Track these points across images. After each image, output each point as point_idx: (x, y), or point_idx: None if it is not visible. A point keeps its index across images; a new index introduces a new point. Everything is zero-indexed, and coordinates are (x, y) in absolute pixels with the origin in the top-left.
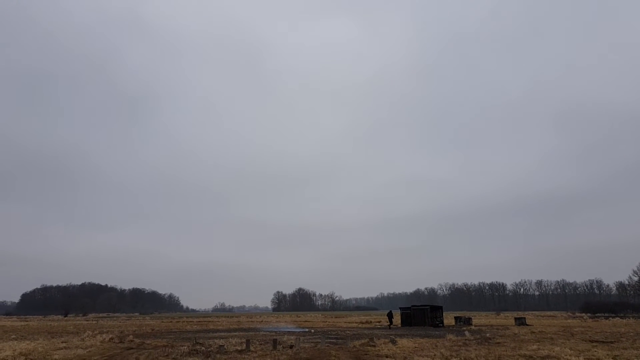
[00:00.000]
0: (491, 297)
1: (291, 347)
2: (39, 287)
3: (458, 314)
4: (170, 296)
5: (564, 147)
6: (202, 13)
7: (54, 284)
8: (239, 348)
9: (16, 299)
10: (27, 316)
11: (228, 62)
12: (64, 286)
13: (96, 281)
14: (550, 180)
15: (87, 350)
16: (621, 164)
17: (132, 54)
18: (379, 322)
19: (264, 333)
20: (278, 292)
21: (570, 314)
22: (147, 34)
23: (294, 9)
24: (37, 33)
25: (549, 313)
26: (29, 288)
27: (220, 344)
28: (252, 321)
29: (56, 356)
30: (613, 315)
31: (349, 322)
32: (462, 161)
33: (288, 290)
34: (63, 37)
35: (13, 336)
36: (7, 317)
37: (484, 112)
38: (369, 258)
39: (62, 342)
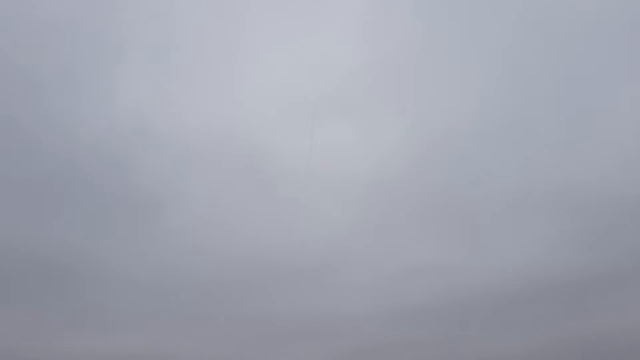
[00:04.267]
0: None
1: None
2: None
3: None
4: None
5: (564, 231)
6: (208, 121)
7: None
8: None
9: None
10: None
11: (234, 164)
12: None
13: None
14: (556, 265)
15: None
16: (627, 247)
17: (141, 158)
18: None
19: None
20: None
21: None
22: (156, 140)
23: (295, 116)
24: (52, 141)
25: None
26: None
27: None
28: None
29: None
30: None
31: None
32: (466, 247)
33: None
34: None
35: None
36: None
37: (482, 199)
38: (382, 351)
39: None
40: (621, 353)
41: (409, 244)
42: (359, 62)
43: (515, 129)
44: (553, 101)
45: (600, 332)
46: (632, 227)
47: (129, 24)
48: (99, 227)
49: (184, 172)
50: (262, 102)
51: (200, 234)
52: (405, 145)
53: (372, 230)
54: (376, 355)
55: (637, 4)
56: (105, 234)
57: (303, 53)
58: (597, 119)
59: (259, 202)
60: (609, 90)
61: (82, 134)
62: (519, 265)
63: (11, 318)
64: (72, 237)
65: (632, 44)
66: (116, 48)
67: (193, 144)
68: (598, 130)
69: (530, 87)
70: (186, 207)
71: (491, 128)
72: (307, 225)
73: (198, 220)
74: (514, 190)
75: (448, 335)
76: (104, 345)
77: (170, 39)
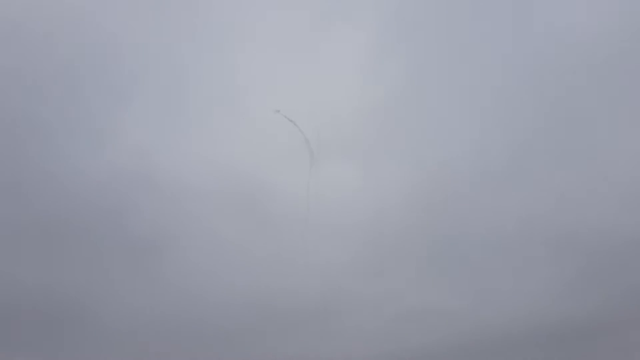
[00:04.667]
0: None
1: None
2: None
3: None
4: None
5: (567, 274)
6: (208, 164)
7: None
8: None
9: None
10: None
11: (234, 206)
12: None
13: None
14: (560, 309)
15: None
16: (632, 290)
17: (141, 202)
18: None
19: None
20: None
21: None
22: (157, 183)
23: (295, 158)
24: (53, 185)
25: None
26: None
27: None
28: None
29: None
30: None
31: None
32: (467, 290)
33: None
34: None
35: None
36: None
37: (483, 241)
38: None
39: None
40: None
41: (409, 287)
42: (358, 104)
43: (516, 171)
44: (553, 144)
45: None
46: (636, 270)
47: (131, 71)
48: (97, 272)
49: (184, 216)
50: (262, 144)
51: (200, 279)
52: (405, 188)
53: (372, 272)
54: None
55: (637, 50)
56: (104, 279)
57: (302, 95)
58: (598, 161)
59: (258, 246)
60: (609, 133)
61: (83, 178)
62: (521, 308)
63: None
64: (70, 282)
65: (631, 86)
66: (118, 94)
67: (193, 187)
68: (599, 172)
69: (529, 130)
70: (185, 251)
71: (491, 170)
72: (307, 268)
73: (197, 264)
74: (515, 232)
75: None
76: None
77: (171, 85)
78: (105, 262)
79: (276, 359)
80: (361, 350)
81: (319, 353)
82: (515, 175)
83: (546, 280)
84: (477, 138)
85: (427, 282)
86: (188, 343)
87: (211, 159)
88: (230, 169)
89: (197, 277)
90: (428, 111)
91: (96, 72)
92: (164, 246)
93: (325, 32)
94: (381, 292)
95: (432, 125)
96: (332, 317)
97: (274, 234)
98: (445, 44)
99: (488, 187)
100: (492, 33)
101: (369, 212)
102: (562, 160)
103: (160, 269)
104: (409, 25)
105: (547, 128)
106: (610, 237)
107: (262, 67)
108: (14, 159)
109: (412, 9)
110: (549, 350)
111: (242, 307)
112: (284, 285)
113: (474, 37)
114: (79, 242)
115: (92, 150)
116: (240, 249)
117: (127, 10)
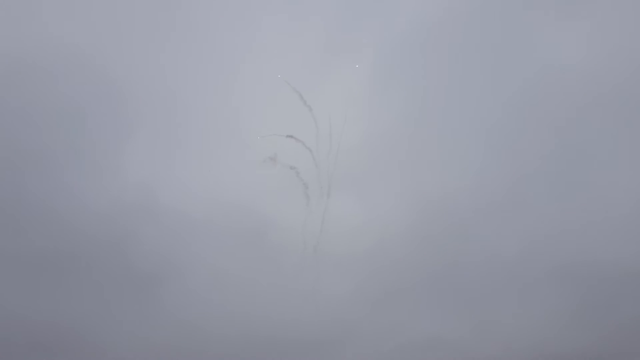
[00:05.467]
0: None
1: None
2: None
3: None
4: None
5: (568, 305)
6: (209, 199)
7: None
8: None
9: None
10: None
11: (236, 238)
12: None
13: None
14: (561, 340)
15: None
16: (631, 321)
17: (145, 233)
18: None
19: None
20: None
21: None
22: (160, 214)
23: (297, 189)
24: (57, 217)
25: None
26: None
27: None
28: None
29: None
30: None
31: None
32: (469, 322)
33: None
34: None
35: None
36: None
37: (484, 273)
38: None
39: None
40: None
41: (411, 318)
42: (359, 137)
43: (515, 203)
44: (552, 174)
45: None
46: (636, 300)
47: (136, 105)
48: (98, 304)
49: (186, 248)
50: (263, 178)
51: (200, 310)
52: (406, 220)
53: (375, 304)
54: None
55: (633, 78)
56: (104, 311)
57: (303, 134)
58: (596, 192)
59: (261, 277)
60: (607, 165)
61: (88, 212)
62: (521, 339)
63: None
64: (73, 313)
65: (629, 120)
66: (123, 130)
67: (195, 221)
68: (597, 204)
69: (529, 162)
70: (186, 283)
71: (491, 202)
72: (308, 299)
73: (198, 295)
74: (515, 263)
75: None
76: None
77: (174, 117)
78: (108, 294)
79: None
80: None
81: None
82: (514, 208)
83: (546, 311)
84: (477, 170)
85: (428, 313)
86: None
87: (213, 193)
88: (232, 202)
89: (198, 308)
90: (428, 144)
91: (101, 109)
92: (165, 278)
93: (325, 75)
94: (383, 322)
95: (433, 159)
96: (334, 348)
97: (276, 266)
98: (443, 81)
99: (488, 219)
100: (492, 69)
101: (370, 243)
102: (561, 192)
103: (162, 300)
104: (407, 62)
105: (546, 160)
106: (609, 268)
107: (263, 102)
108: (20, 193)
109: (412, 45)
110: None
111: (243, 338)
112: (285, 316)
113: (474, 73)
114: (83, 274)
115: (97, 185)
116: (241, 281)
117: (131, 49)
